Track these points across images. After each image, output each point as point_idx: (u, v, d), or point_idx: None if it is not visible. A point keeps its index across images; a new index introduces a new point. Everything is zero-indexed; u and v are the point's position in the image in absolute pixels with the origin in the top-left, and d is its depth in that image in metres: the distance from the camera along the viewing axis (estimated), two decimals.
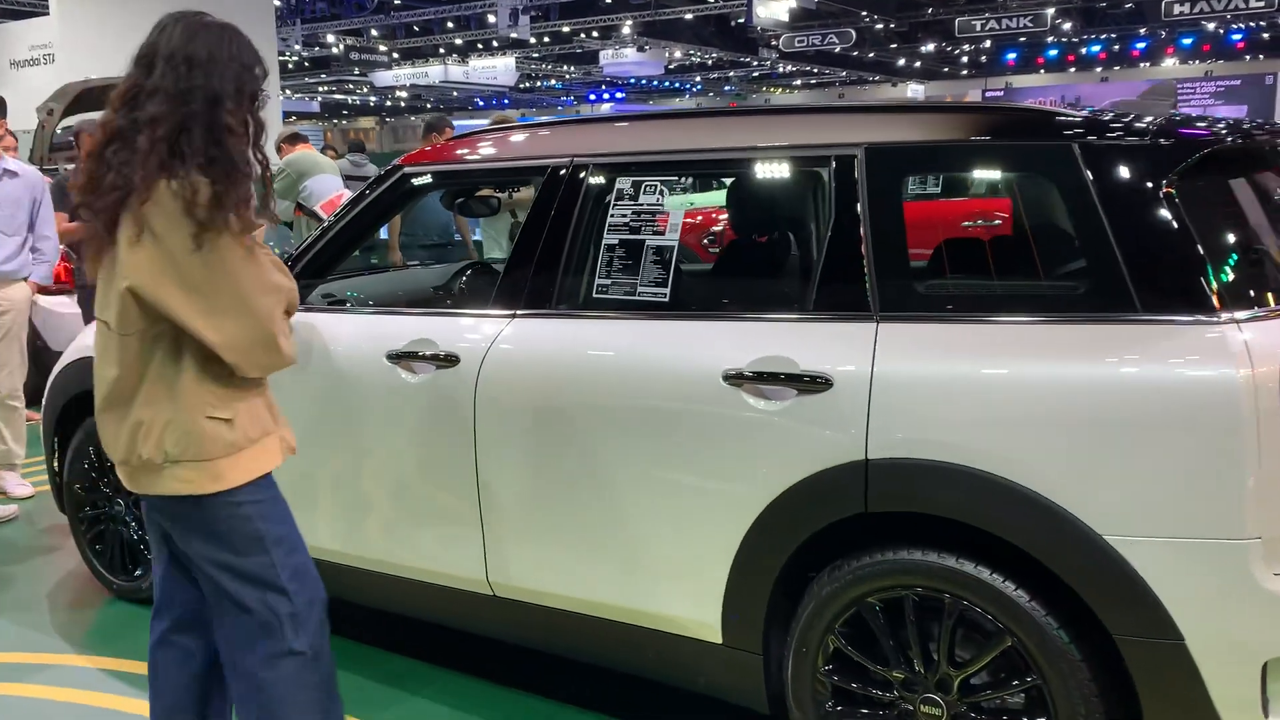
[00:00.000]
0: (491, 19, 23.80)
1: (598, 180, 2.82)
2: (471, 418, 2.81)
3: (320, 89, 36.05)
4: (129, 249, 2.04)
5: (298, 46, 24.29)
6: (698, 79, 36.02)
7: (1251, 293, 2.10)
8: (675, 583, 2.59)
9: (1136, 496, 2.04)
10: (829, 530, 2.34)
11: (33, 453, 5.13)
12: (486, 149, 3.21)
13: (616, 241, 2.75)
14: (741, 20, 24.99)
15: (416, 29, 27.62)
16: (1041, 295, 2.30)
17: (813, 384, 2.33)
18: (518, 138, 3.20)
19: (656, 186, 2.72)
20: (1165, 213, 2.14)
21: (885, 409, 2.24)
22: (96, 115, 6.33)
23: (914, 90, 34.68)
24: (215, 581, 2.22)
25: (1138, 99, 2.49)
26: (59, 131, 8.70)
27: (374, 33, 27.46)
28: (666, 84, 35.92)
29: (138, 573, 3.83)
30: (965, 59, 33.41)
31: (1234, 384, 1.98)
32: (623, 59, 27.56)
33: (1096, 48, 30.68)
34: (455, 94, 34.63)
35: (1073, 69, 32.93)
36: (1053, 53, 31.02)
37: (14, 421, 5.12)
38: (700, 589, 2.54)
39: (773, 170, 2.68)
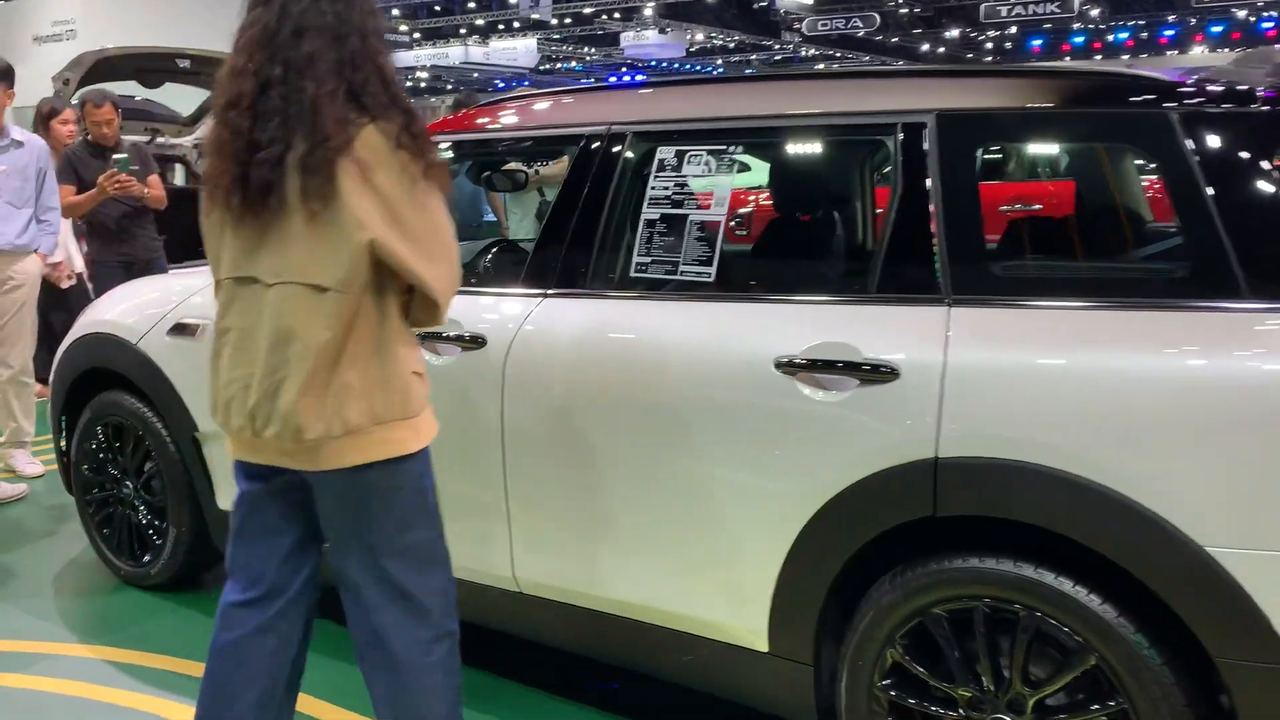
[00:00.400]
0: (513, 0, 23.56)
1: (637, 150, 2.62)
2: (499, 403, 2.62)
3: None
4: (357, 198, 1.88)
5: None
6: (719, 62, 35.68)
7: None
8: (718, 585, 2.39)
9: (1244, 505, 1.83)
10: (890, 534, 2.15)
11: (44, 430, 5.00)
12: (517, 117, 3.01)
13: (657, 216, 2.55)
14: (765, 3, 24.69)
15: (437, 9, 27.39)
16: (1134, 279, 2.09)
17: (876, 373, 2.12)
18: (550, 104, 2.99)
19: (702, 156, 2.52)
20: (1276, 188, 1.92)
21: (959, 402, 2.03)
22: (103, 85, 6.17)
23: None
24: (377, 562, 2.07)
25: (1232, 65, 2.27)
26: (74, 102, 8.55)
27: (395, 12, 27.25)
28: (688, 66, 35.59)
29: (146, 558, 3.68)
30: (990, 45, 32.95)
31: None
32: (644, 41, 27.29)
33: (1124, 35, 30.19)
34: (475, 75, 34.38)
35: (1099, 56, 32.42)
36: (1079, 39, 30.53)
37: (25, 397, 5.01)
38: (746, 593, 2.34)
39: (830, 139, 2.47)
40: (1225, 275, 1.92)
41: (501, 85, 37.70)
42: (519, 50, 27.82)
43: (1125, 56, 31.91)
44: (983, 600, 2.06)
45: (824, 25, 25.14)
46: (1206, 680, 1.92)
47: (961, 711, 2.12)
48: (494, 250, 3.75)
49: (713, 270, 2.46)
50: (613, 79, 37.56)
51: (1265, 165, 1.94)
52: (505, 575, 2.72)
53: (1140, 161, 3.09)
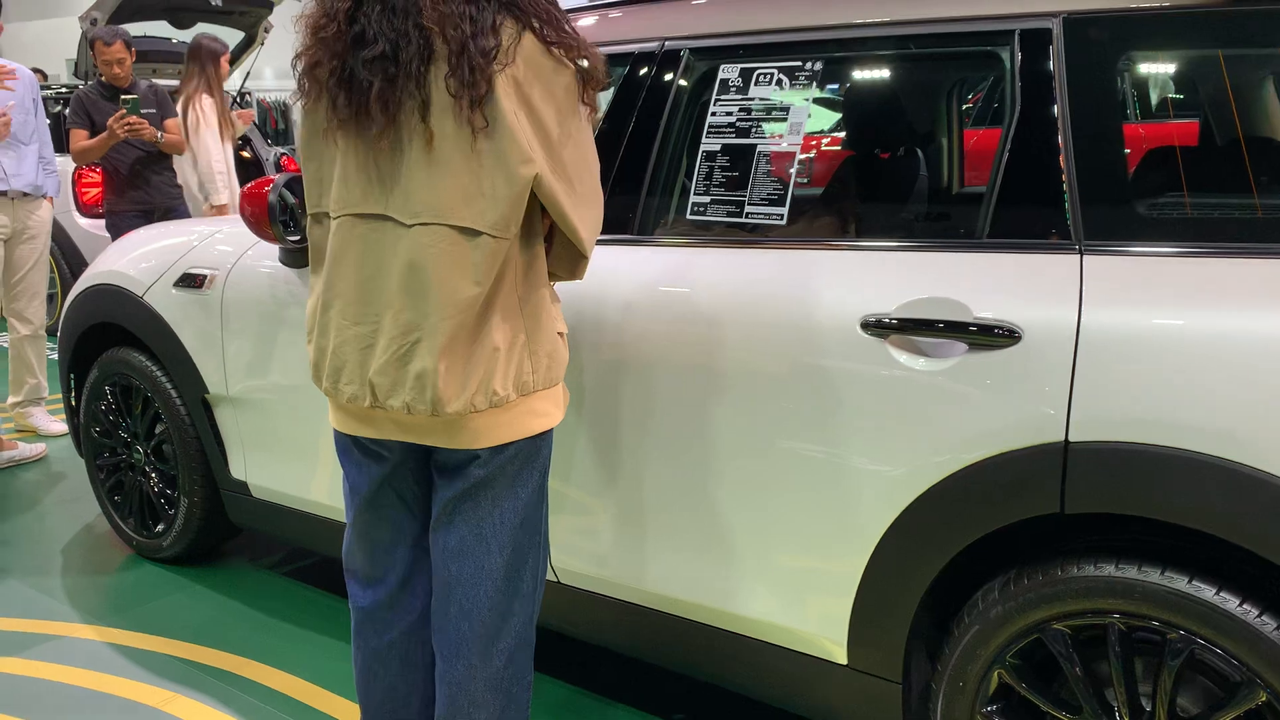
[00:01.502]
0: None
1: (696, 69, 2.23)
2: None
3: None
4: (519, 122, 1.58)
5: None
6: None
7: None
8: (787, 584, 2.03)
9: None
10: (1002, 533, 1.76)
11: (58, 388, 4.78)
12: None
13: (719, 148, 2.16)
14: None
15: None
16: None
17: (990, 336, 1.72)
18: (592, 20, 2.59)
19: (773, 76, 2.12)
20: None
21: (1097, 374, 1.63)
22: (117, 27, 5.89)
23: None
24: (497, 551, 1.82)
25: None
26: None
27: None
28: None
29: (159, 528, 3.41)
30: None
31: None
32: None
33: None
34: None
35: None
36: None
37: (42, 353, 4.80)
38: (821, 595, 1.98)
39: (927, 53, 2.04)
40: None
41: None
42: None
43: None
44: (1118, 617, 1.68)
45: None
46: None
47: None
48: None
49: (784, 211, 2.07)
50: None
51: None
52: None
53: None
